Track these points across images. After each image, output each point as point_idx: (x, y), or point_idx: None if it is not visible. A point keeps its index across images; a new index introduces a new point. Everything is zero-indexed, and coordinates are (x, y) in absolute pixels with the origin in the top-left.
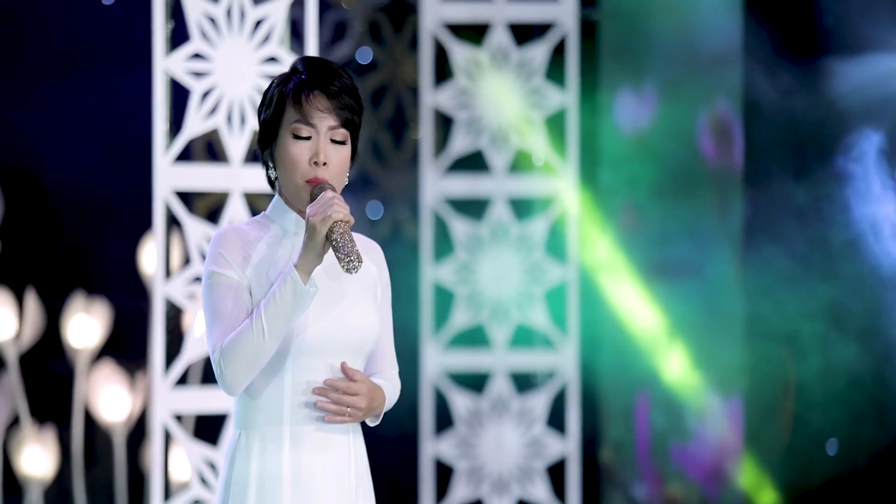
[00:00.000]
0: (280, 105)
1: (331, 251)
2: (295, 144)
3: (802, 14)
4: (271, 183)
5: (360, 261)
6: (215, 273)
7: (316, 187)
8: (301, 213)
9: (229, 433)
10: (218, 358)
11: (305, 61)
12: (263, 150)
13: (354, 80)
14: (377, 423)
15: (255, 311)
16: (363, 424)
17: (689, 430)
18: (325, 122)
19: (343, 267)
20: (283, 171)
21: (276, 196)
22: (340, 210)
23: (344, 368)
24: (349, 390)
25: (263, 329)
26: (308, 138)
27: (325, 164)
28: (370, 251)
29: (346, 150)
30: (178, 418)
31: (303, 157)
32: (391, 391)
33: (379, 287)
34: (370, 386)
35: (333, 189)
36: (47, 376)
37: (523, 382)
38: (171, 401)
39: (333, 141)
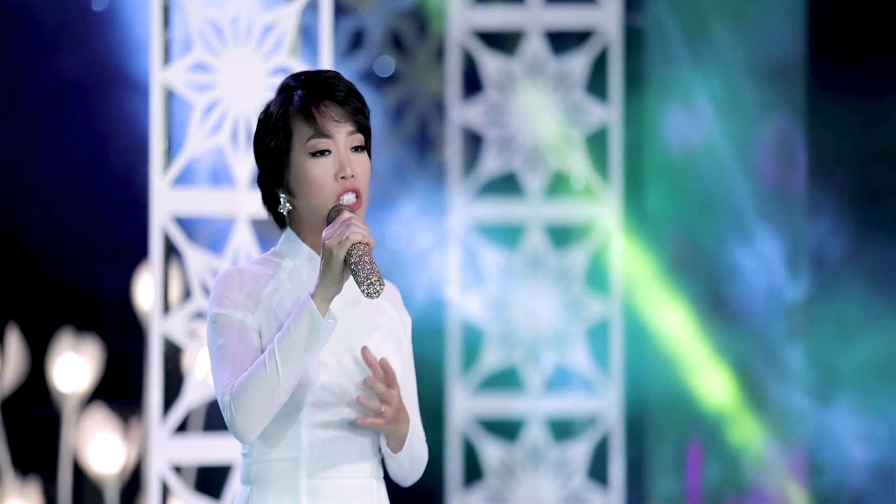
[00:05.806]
0: (287, 127)
1: (351, 280)
2: (315, 164)
3: (870, 20)
4: (280, 221)
5: (381, 284)
6: (220, 315)
7: (332, 210)
8: (316, 245)
9: (234, 487)
10: (228, 402)
11: (298, 77)
12: (269, 185)
13: (372, 92)
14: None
15: (268, 348)
16: (385, 474)
17: (746, 483)
18: (342, 131)
19: (363, 291)
20: (306, 198)
21: (287, 229)
22: (359, 231)
23: (382, 363)
24: (385, 396)
25: (278, 367)
26: (327, 152)
27: (352, 175)
28: (386, 294)
29: (366, 157)
30: (178, 469)
31: (327, 174)
32: (419, 431)
33: (402, 332)
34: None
35: (351, 210)
36: (32, 423)
37: (561, 430)
38: (169, 450)
39: (353, 149)
